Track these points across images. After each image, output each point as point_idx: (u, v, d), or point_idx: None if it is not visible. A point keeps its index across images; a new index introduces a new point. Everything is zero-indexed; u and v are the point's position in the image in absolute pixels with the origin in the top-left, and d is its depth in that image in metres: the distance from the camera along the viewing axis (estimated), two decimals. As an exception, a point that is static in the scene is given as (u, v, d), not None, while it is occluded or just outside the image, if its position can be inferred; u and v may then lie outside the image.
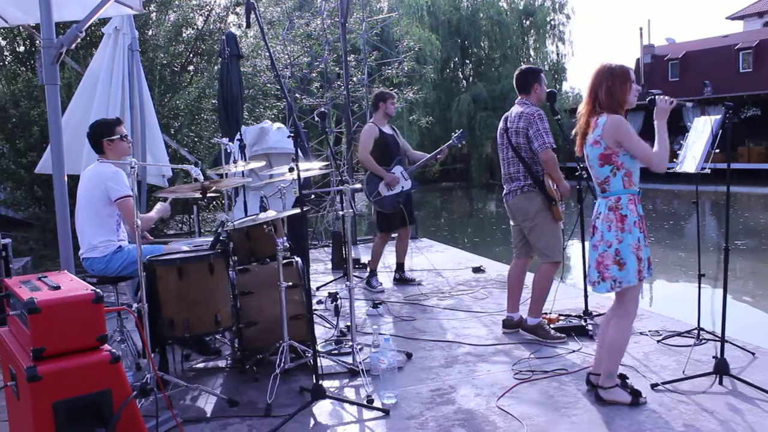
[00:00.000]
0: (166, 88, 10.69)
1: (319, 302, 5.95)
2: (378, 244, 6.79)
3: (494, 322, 5.34)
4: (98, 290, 2.82)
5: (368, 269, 6.83)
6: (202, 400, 4.02)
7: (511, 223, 5.05)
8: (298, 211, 4.26)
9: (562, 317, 5.15)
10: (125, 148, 4.52)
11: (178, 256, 4.14)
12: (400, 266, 6.98)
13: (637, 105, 3.64)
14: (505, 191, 4.97)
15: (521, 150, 4.77)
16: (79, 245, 4.37)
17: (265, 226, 4.29)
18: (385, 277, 7.02)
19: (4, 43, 11.34)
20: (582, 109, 3.61)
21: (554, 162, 4.71)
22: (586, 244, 4.09)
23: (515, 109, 4.85)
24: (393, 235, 6.84)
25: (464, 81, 35.52)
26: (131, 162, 3.66)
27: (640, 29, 34.39)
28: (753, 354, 4.32)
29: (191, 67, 12.76)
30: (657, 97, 3.55)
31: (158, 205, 4.72)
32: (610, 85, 3.46)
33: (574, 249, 8.76)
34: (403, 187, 6.51)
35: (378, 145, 6.44)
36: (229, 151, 6.19)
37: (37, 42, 9.77)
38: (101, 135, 4.42)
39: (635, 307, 3.63)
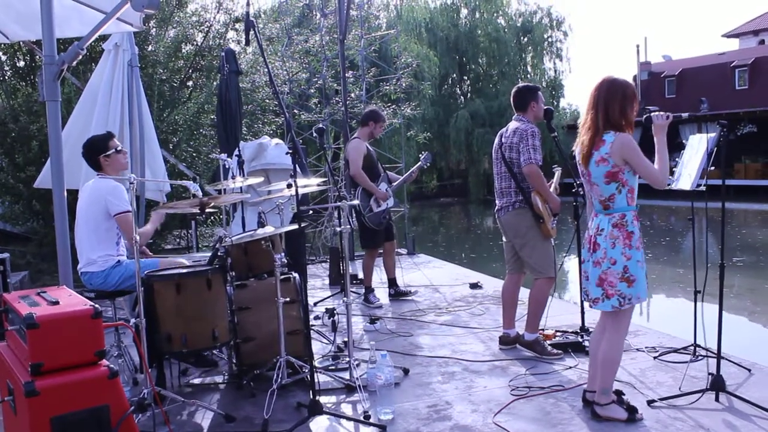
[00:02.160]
0: (165, 103, 10.74)
1: (317, 318, 5.95)
2: (367, 261, 6.82)
3: (491, 338, 5.34)
4: (97, 305, 2.83)
5: (364, 286, 6.86)
6: (199, 415, 4.01)
7: (504, 239, 5.07)
8: (296, 226, 4.27)
9: (558, 333, 5.16)
10: (122, 161, 4.54)
11: (176, 271, 4.15)
12: (392, 282, 6.99)
13: (648, 118, 3.64)
14: (497, 207, 5.00)
15: (514, 165, 4.80)
16: (77, 259, 4.38)
17: (263, 242, 4.30)
18: (382, 293, 7.02)
19: (4, 58, 11.39)
20: (587, 123, 3.53)
21: (538, 177, 4.70)
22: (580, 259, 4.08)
23: (511, 125, 4.88)
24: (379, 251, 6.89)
25: (462, 97, 35.68)
26: (130, 177, 3.68)
27: (637, 46, 34.84)
28: (749, 370, 4.33)
29: (190, 83, 12.82)
30: (653, 114, 3.55)
31: (153, 216, 4.73)
32: (623, 105, 3.45)
33: (572, 265, 8.78)
34: (387, 203, 6.57)
35: (365, 162, 6.47)
36: (227, 166, 6.21)
37: (38, 57, 9.83)
38: (96, 152, 4.44)
39: (628, 323, 3.64)
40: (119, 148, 4.52)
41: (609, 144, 3.44)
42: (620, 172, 3.45)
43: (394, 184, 6.72)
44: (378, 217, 6.50)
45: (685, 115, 3.82)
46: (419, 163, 6.85)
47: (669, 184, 4.63)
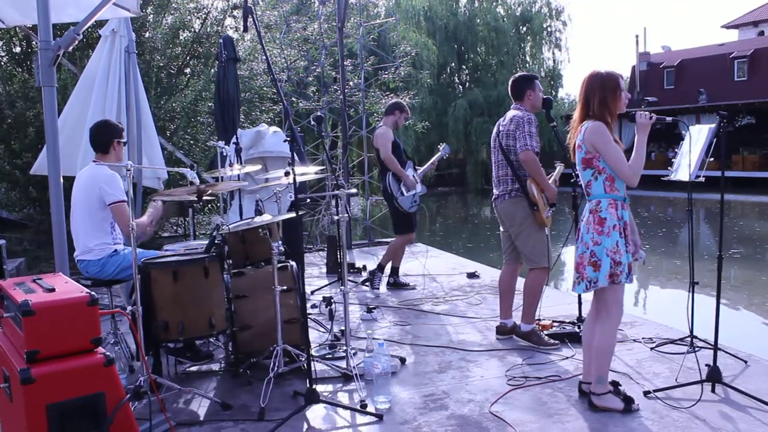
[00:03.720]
0: (162, 90, 10.68)
1: (314, 306, 5.95)
2: (397, 242, 6.88)
3: (488, 327, 5.35)
4: (93, 293, 2.82)
5: (378, 265, 6.91)
6: (196, 403, 4.01)
7: (501, 229, 5.07)
8: (293, 215, 4.26)
9: (555, 324, 5.16)
10: (122, 155, 4.57)
11: (173, 258, 4.14)
12: (394, 270, 7.00)
13: (633, 115, 3.72)
14: (494, 195, 4.99)
15: (510, 153, 4.79)
16: (73, 246, 4.37)
17: (260, 230, 4.29)
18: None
19: (0, 43, 11.32)
20: (575, 116, 3.70)
21: (534, 164, 4.70)
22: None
23: (509, 114, 4.89)
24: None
25: (460, 86, 35.57)
26: (127, 164, 3.65)
27: (636, 37, 34.76)
28: (745, 362, 4.34)
29: (188, 70, 12.74)
30: (637, 112, 3.63)
31: (150, 208, 4.71)
32: (602, 97, 3.56)
33: (569, 255, 8.78)
34: (416, 189, 6.62)
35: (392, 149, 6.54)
36: (225, 154, 6.18)
37: (34, 43, 9.76)
38: (114, 134, 4.46)
39: (618, 309, 3.65)
40: (125, 141, 4.56)
41: (583, 131, 3.58)
42: (594, 158, 3.55)
43: (419, 172, 6.78)
44: (409, 200, 6.58)
45: (669, 119, 3.81)
46: (438, 154, 6.95)
47: (668, 176, 4.66)
